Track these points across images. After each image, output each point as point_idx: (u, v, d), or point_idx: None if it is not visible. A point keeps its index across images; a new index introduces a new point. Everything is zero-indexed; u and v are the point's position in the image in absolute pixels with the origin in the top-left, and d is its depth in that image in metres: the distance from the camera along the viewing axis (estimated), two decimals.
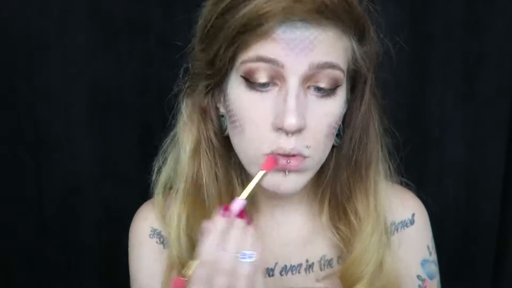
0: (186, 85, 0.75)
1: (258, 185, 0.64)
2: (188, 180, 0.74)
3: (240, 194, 0.66)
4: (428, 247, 0.82)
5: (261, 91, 0.64)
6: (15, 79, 1.24)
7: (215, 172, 0.73)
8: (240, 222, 0.61)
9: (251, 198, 0.76)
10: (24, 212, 1.30)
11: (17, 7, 1.20)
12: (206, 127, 0.72)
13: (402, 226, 0.81)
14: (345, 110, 0.70)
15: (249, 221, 0.62)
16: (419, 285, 0.81)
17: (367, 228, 0.73)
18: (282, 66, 0.62)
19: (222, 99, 0.70)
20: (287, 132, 0.63)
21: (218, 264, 0.58)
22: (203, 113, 0.73)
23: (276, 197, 0.74)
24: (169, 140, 0.79)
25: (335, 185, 0.75)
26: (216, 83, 0.70)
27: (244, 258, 0.59)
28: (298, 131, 0.63)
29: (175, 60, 1.29)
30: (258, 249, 0.60)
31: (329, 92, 0.65)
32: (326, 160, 0.71)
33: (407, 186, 0.84)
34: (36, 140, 1.27)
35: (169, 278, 0.76)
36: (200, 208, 0.73)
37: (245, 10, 0.61)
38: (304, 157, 0.65)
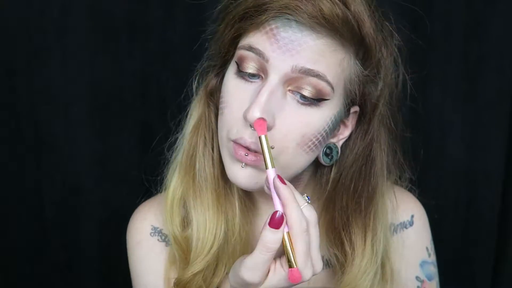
0: (203, 66, 0.77)
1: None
2: (184, 154, 0.75)
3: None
4: (427, 248, 0.82)
5: (247, 81, 0.65)
6: (15, 79, 1.24)
7: (210, 152, 0.73)
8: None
9: (251, 202, 0.76)
10: (24, 212, 1.30)
11: (17, 7, 1.20)
12: (208, 108, 0.74)
13: (401, 227, 0.81)
14: (333, 129, 0.68)
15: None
16: (418, 286, 0.81)
17: (360, 265, 0.72)
18: (267, 61, 0.63)
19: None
20: (250, 124, 0.63)
21: (308, 219, 0.59)
22: (210, 94, 0.74)
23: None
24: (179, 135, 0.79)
25: (332, 210, 0.74)
26: (221, 66, 0.72)
27: (309, 199, 0.62)
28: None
29: (175, 60, 1.29)
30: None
31: (311, 101, 0.64)
32: (322, 181, 0.72)
33: (409, 187, 0.84)
34: (36, 140, 1.27)
35: (169, 273, 0.76)
36: (194, 186, 0.74)
37: (248, 1, 0.63)
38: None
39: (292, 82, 0.63)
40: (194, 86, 0.77)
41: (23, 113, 1.26)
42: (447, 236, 1.31)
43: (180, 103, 0.82)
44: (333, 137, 0.70)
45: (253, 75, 0.65)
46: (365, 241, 0.73)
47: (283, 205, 0.58)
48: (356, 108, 0.69)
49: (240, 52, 0.65)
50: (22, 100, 1.25)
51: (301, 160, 0.67)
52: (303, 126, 0.64)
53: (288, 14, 0.61)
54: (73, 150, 1.28)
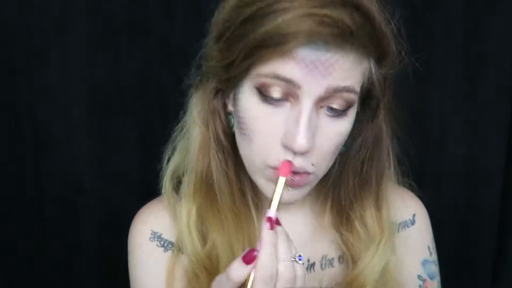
0: (198, 79, 0.73)
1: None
2: (197, 176, 0.73)
3: (252, 193, 0.71)
4: (428, 247, 0.82)
5: (274, 105, 0.63)
6: (15, 79, 1.24)
7: (225, 170, 0.73)
8: (282, 229, 0.60)
9: (253, 196, 0.76)
10: (24, 212, 1.30)
11: (17, 7, 1.20)
12: (215, 125, 0.72)
13: (403, 226, 0.81)
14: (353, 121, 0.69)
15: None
16: (419, 285, 0.81)
17: (381, 242, 0.73)
18: (299, 88, 0.61)
19: (231, 99, 0.69)
20: (295, 152, 0.63)
21: (280, 274, 0.58)
22: (212, 111, 0.72)
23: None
24: (178, 130, 0.78)
25: (338, 190, 0.75)
26: (229, 86, 0.69)
27: (300, 260, 0.60)
28: (307, 152, 0.63)
29: (175, 60, 1.29)
30: (298, 249, 0.61)
31: (340, 113, 0.64)
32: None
33: (409, 187, 0.84)
34: (36, 140, 1.27)
35: (172, 279, 0.76)
36: (212, 204, 0.73)
37: (267, 27, 0.59)
38: (309, 173, 0.65)
39: (324, 99, 0.63)
40: (193, 108, 0.73)
41: (23, 113, 1.26)
42: (447, 236, 1.31)
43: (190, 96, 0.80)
44: None
45: (279, 99, 0.63)
46: (381, 218, 0.74)
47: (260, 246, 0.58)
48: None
49: (262, 80, 0.62)
50: (22, 100, 1.25)
51: (331, 163, 0.69)
52: (337, 137, 0.65)
53: (315, 38, 0.58)
54: (73, 150, 1.28)
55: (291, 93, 0.62)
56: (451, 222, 1.33)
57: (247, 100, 0.65)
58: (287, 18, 0.58)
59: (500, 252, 1.36)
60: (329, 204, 0.76)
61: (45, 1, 1.20)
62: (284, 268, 0.58)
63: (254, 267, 0.58)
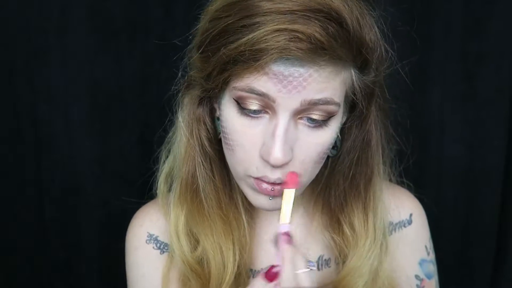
0: (184, 86, 0.74)
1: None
2: (183, 183, 0.74)
3: (242, 198, 0.71)
4: (426, 247, 0.82)
5: (252, 117, 0.63)
6: (15, 79, 1.24)
7: (211, 177, 0.73)
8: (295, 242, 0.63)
9: (243, 200, 0.76)
10: (24, 212, 1.30)
11: (17, 7, 1.20)
12: (199, 133, 0.72)
13: (399, 226, 0.81)
14: (339, 129, 0.69)
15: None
16: (417, 285, 0.81)
17: (365, 245, 0.73)
18: (273, 101, 0.61)
19: (218, 106, 0.69)
20: (271, 165, 0.63)
21: (300, 285, 0.61)
22: (197, 119, 0.72)
23: None
24: (172, 131, 0.78)
25: (328, 194, 0.75)
26: (212, 95, 0.69)
27: (312, 265, 0.63)
28: (285, 164, 0.63)
29: (175, 60, 1.29)
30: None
31: (321, 123, 0.64)
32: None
33: (407, 187, 0.84)
34: (36, 140, 1.27)
35: (167, 281, 0.76)
36: (198, 210, 0.73)
37: (240, 42, 0.59)
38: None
39: (301, 112, 0.63)
40: (179, 114, 0.74)
41: (23, 113, 1.26)
42: (447, 236, 1.31)
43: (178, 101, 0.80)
44: None
45: (258, 111, 0.63)
46: (367, 222, 0.73)
47: (281, 262, 0.61)
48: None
49: (238, 93, 0.62)
50: (22, 100, 1.25)
51: (317, 170, 0.69)
52: (318, 146, 0.65)
53: (287, 54, 0.58)
54: (73, 150, 1.28)
55: (267, 105, 0.62)
56: (450, 222, 1.33)
57: (228, 111, 0.65)
58: (259, 34, 0.58)
59: (500, 252, 1.36)
60: (320, 206, 0.77)
61: (45, 1, 1.20)
62: (304, 279, 0.61)
63: (277, 284, 0.60)
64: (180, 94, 0.74)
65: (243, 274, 0.75)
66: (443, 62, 1.26)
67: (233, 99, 0.64)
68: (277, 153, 0.61)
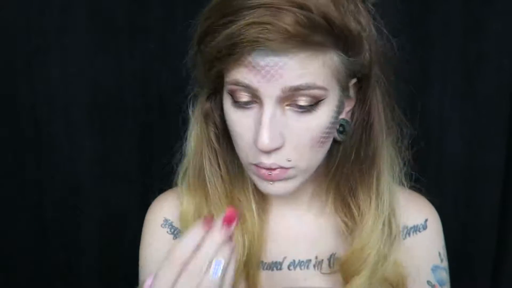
0: (195, 89, 0.77)
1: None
2: (192, 174, 0.77)
3: (253, 191, 0.75)
4: (439, 253, 0.83)
5: (244, 108, 0.67)
6: (15, 79, 1.24)
7: (217, 170, 0.76)
8: (223, 234, 0.58)
9: (264, 202, 0.78)
10: (24, 212, 1.30)
11: (17, 7, 1.20)
12: (207, 129, 0.76)
13: (414, 230, 0.82)
14: (338, 115, 0.70)
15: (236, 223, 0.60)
16: None
17: (367, 224, 0.74)
18: (257, 91, 0.64)
19: (222, 101, 0.73)
20: (261, 151, 0.66)
21: (188, 265, 0.56)
22: (206, 114, 0.75)
23: (285, 198, 0.77)
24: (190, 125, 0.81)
25: (339, 178, 0.76)
26: (212, 92, 0.73)
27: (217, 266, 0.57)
28: (275, 149, 0.66)
29: (175, 60, 1.29)
30: (232, 261, 0.59)
31: (309, 108, 0.66)
32: (331, 155, 0.73)
33: (416, 190, 0.85)
34: (36, 140, 1.27)
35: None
36: (207, 200, 0.77)
37: (218, 39, 0.63)
38: (287, 168, 0.68)
39: (287, 99, 0.65)
40: (190, 111, 0.78)
41: (23, 113, 1.26)
42: (447, 235, 1.31)
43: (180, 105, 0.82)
44: (341, 113, 0.71)
45: (246, 102, 0.67)
46: (369, 201, 0.75)
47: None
48: (353, 81, 0.71)
49: (229, 87, 0.67)
50: (22, 100, 1.25)
51: (319, 154, 0.70)
52: (309, 131, 0.67)
53: (259, 46, 0.62)
54: (73, 150, 1.29)
55: (255, 96, 0.65)
56: (450, 222, 1.33)
57: (226, 105, 0.69)
58: (232, 30, 0.62)
59: (500, 251, 1.36)
60: (332, 194, 0.78)
61: (45, 1, 1.20)
62: (194, 265, 0.56)
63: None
64: (192, 91, 0.78)
65: (254, 266, 0.76)
66: (443, 61, 1.27)
67: (228, 93, 0.68)
68: (263, 139, 0.64)
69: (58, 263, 1.33)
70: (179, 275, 0.56)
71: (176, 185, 0.82)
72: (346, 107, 0.72)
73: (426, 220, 0.83)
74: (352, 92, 0.72)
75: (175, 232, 0.81)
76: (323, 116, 0.67)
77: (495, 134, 1.30)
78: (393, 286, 0.77)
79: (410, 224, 0.81)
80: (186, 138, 0.79)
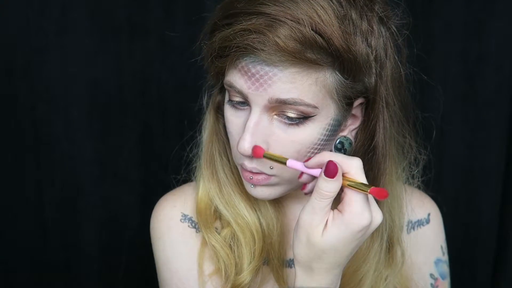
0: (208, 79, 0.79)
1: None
2: (204, 165, 0.79)
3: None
4: (441, 247, 0.85)
5: (237, 108, 0.68)
6: (15, 79, 1.24)
7: (226, 161, 0.77)
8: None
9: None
10: (24, 212, 1.30)
11: (17, 7, 1.20)
12: (217, 121, 0.77)
13: (418, 224, 0.83)
14: (334, 131, 0.69)
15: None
16: (431, 284, 0.82)
17: (360, 249, 0.73)
18: (246, 97, 0.65)
19: None
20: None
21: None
22: (217, 106, 0.77)
23: (299, 196, 0.77)
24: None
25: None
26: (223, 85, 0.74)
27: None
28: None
29: (175, 60, 1.29)
30: None
31: (297, 121, 0.65)
32: None
33: (418, 188, 0.85)
34: (36, 140, 1.27)
35: (202, 257, 0.78)
36: (220, 189, 0.78)
37: (214, 40, 0.65)
38: (269, 175, 0.68)
39: (274, 109, 0.65)
40: (204, 101, 0.79)
41: (23, 113, 1.26)
42: (447, 236, 1.31)
43: (183, 105, 0.82)
44: (342, 130, 0.71)
45: (242, 103, 0.67)
46: None
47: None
48: (361, 100, 0.69)
49: (226, 86, 0.68)
50: (22, 100, 1.25)
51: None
52: (295, 144, 0.66)
53: (251, 53, 0.62)
54: (73, 150, 1.28)
55: (245, 98, 0.66)
56: (451, 222, 1.33)
57: (225, 100, 0.70)
58: (227, 33, 0.63)
59: (500, 252, 1.36)
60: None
61: (45, 1, 1.20)
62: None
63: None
64: (205, 86, 0.79)
65: (275, 262, 0.76)
66: (444, 62, 1.27)
67: (226, 90, 0.69)
68: (243, 143, 0.65)
69: (58, 263, 1.33)
70: None
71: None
72: (350, 125, 0.71)
73: (429, 215, 0.85)
74: (358, 111, 0.70)
75: (196, 226, 0.80)
76: (311, 132, 0.66)
77: (495, 135, 1.30)
78: None
79: (414, 218, 0.83)
80: (201, 131, 0.81)
